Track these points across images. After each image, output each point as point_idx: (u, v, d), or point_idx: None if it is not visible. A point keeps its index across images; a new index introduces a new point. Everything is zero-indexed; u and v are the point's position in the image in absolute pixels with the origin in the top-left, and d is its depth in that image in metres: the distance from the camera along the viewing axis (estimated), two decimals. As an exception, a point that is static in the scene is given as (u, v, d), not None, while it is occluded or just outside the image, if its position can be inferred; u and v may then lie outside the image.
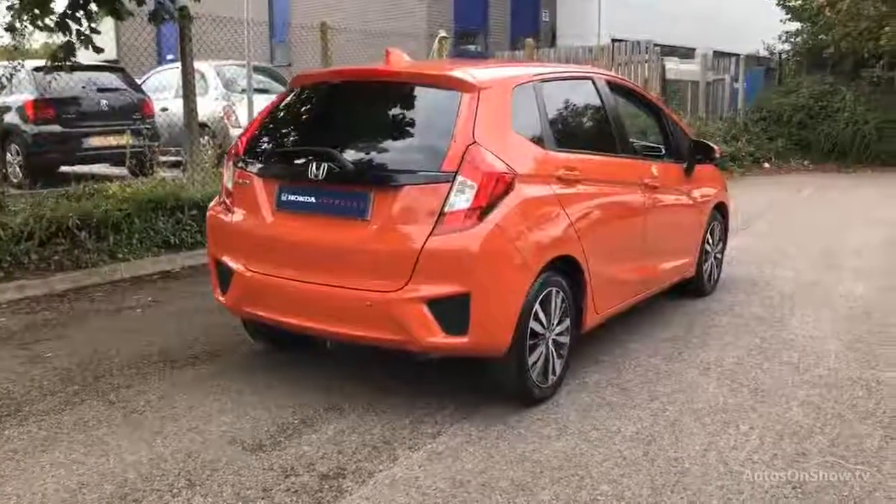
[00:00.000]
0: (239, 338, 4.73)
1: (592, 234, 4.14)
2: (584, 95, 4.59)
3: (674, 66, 16.77)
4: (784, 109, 16.50)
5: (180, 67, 8.33)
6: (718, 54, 18.56)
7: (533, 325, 3.75)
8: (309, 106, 4.15)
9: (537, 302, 3.75)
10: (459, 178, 3.49)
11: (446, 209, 3.48)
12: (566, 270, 4.00)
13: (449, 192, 3.49)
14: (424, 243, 3.47)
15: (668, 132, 5.40)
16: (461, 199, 3.49)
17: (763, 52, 19.42)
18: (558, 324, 3.97)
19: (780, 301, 5.91)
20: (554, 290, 3.88)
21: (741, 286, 6.36)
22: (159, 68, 13.25)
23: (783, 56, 18.85)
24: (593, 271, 4.15)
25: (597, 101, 4.61)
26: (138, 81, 13.23)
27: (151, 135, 10.23)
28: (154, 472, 3.22)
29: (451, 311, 3.48)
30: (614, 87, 4.88)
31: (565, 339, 4.04)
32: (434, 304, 3.48)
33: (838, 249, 7.88)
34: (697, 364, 4.53)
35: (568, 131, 4.36)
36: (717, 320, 5.41)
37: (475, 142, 3.55)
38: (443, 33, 10.45)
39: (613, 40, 16.85)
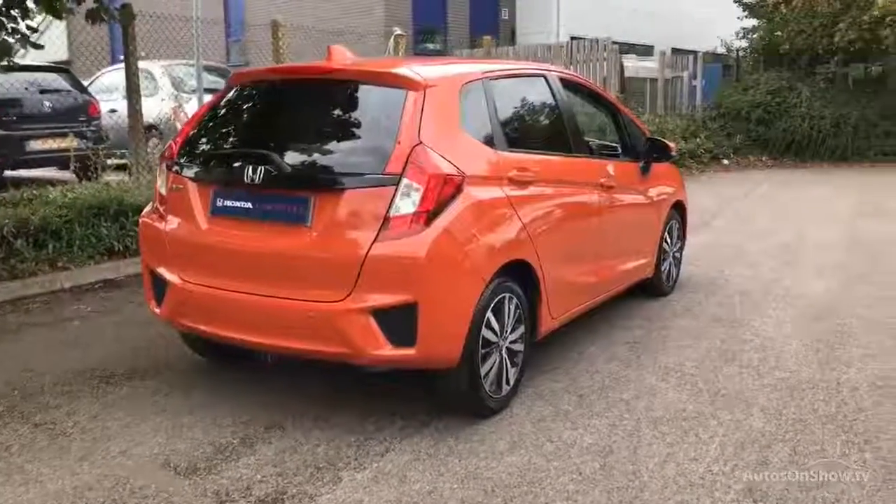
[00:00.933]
0: (182, 350, 4.50)
1: (547, 236, 3.99)
2: (536, 93, 4.43)
3: (632, 64, 16.78)
4: (742, 106, 16.58)
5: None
6: (677, 52, 18.63)
7: (485, 333, 3.58)
8: (246, 106, 3.94)
9: (489, 309, 3.59)
10: (405, 181, 3.31)
11: (391, 214, 3.30)
12: (520, 275, 3.85)
13: (394, 196, 3.31)
14: (368, 250, 3.28)
15: (624, 130, 5.28)
16: (407, 203, 3.31)
17: (721, 50, 19.54)
18: (512, 331, 3.81)
19: (740, 301, 5.82)
20: (507, 296, 3.73)
21: (700, 285, 6.27)
22: (108, 68, 12.86)
23: (740, 53, 18.97)
24: (548, 275, 4.00)
25: (550, 99, 4.46)
26: (87, 82, 12.86)
27: (97, 137, 9.91)
28: (77, 502, 2.99)
29: (398, 322, 3.30)
30: (568, 84, 4.74)
31: (520, 347, 3.88)
32: (380, 314, 3.30)
33: (797, 246, 7.86)
34: (656, 369, 4.40)
35: (520, 131, 4.20)
36: (677, 322, 5.30)
37: (421, 142, 3.37)
38: (398, 31, 10.25)
39: (572, 38, 16.81)
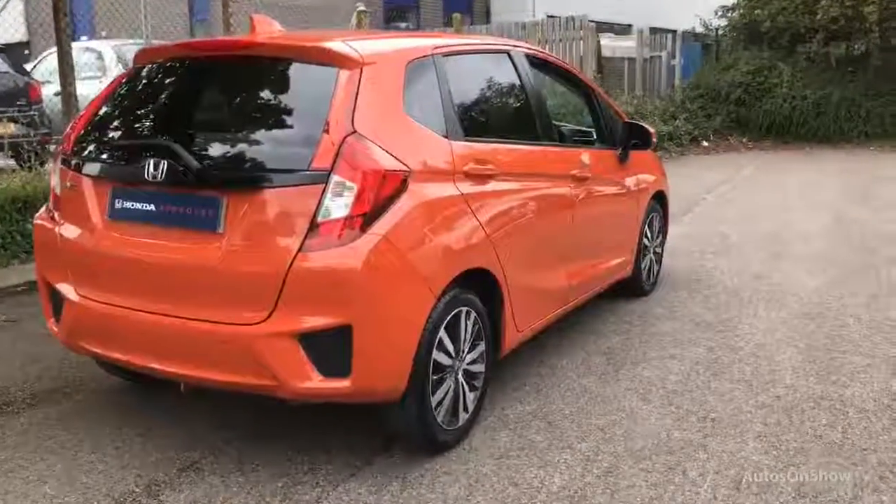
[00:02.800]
0: (96, 371, 3.91)
1: (510, 239, 3.45)
2: (498, 72, 3.87)
3: (609, 43, 16.22)
4: (722, 86, 16.10)
5: (60, 47, 7.34)
6: (655, 31, 18.09)
7: (437, 356, 3.04)
8: (152, 89, 3.33)
9: (442, 327, 3.05)
10: (335, 179, 2.74)
11: (319, 218, 2.74)
12: (479, 285, 3.31)
13: (322, 197, 2.74)
14: (291, 262, 2.72)
15: (600, 114, 4.73)
16: (338, 205, 2.74)
17: (700, 29, 19.02)
18: (470, 350, 3.27)
19: (727, 300, 5.32)
20: (464, 310, 3.18)
21: (683, 282, 5.76)
22: (53, 49, 12.08)
23: (720, 32, 18.46)
24: (512, 283, 3.47)
25: (514, 79, 3.89)
26: (32, 64, 12.11)
27: (39, 122, 9.22)
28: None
29: (329, 349, 2.75)
30: (536, 62, 4.17)
31: (480, 368, 3.35)
32: (306, 339, 2.74)
33: (783, 235, 7.38)
34: (637, 385, 3.89)
35: (478, 116, 3.63)
36: (659, 326, 4.78)
37: (355, 131, 2.80)
38: (361, 6, 9.58)
39: (549, 16, 16.20)
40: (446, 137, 3.20)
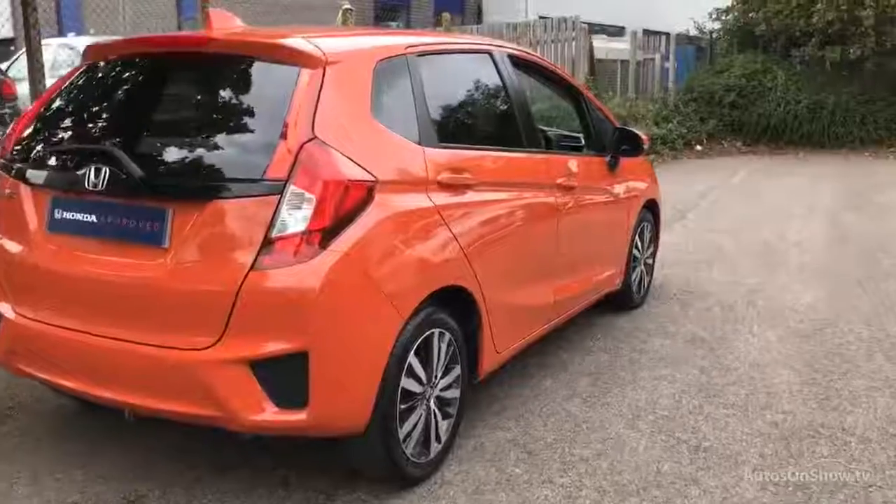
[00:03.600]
0: (45, 391, 3.63)
1: (489, 254, 3.20)
2: (478, 74, 3.61)
3: (602, 45, 15.98)
4: (715, 90, 15.86)
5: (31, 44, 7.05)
6: (649, 33, 17.86)
7: (406, 383, 2.78)
8: (100, 88, 3.05)
9: (412, 351, 2.79)
10: (292, 189, 2.48)
11: (273, 233, 2.47)
12: (454, 304, 3.05)
13: (277, 209, 2.48)
14: (242, 282, 2.46)
15: (589, 119, 4.47)
16: (295, 219, 2.48)
17: (694, 31, 18.80)
18: (444, 375, 3.01)
19: (721, 314, 5.07)
20: (437, 332, 2.93)
21: (675, 294, 5.51)
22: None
23: (714, 35, 18.24)
24: (491, 301, 3.21)
25: (496, 81, 3.63)
26: (9, 61, 11.84)
27: (10, 120, 8.92)
28: None
29: (284, 378, 2.49)
30: (520, 63, 3.91)
31: (454, 394, 3.09)
32: (259, 367, 2.48)
33: (778, 244, 7.14)
34: (625, 409, 3.64)
35: (455, 121, 3.37)
36: (649, 343, 4.53)
37: (315, 137, 2.54)
38: (346, 5, 9.30)
39: (541, 17, 15.95)
40: (419, 144, 2.94)
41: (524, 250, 3.54)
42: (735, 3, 17.18)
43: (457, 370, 3.09)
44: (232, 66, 2.81)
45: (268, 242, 2.47)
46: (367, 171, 2.63)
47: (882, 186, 10.68)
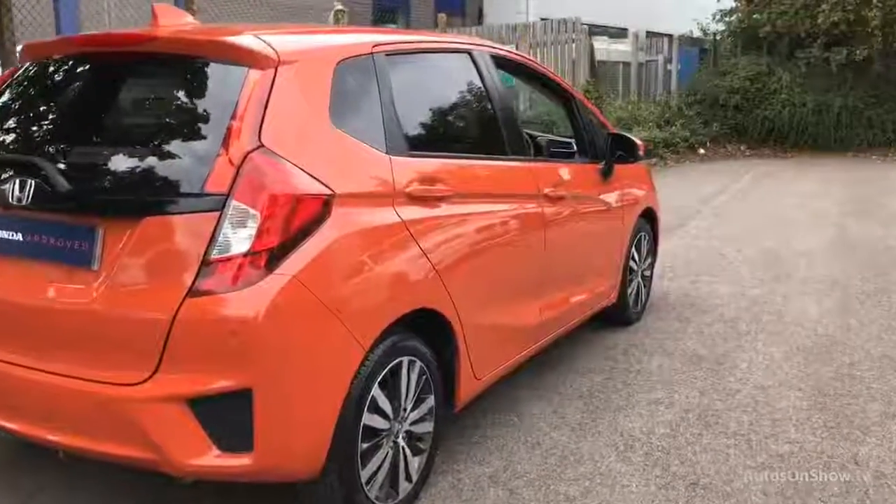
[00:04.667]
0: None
1: (465, 272, 2.92)
2: (456, 75, 3.33)
3: (604, 47, 15.70)
4: (719, 92, 15.56)
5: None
6: (652, 35, 17.57)
7: (368, 420, 2.49)
8: (34, 91, 2.77)
9: (376, 384, 2.51)
10: (234, 205, 2.20)
11: (213, 254, 2.20)
12: (427, 328, 2.77)
13: (217, 227, 2.20)
14: (178, 310, 2.18)
15: (580, 124, 4.18)
16: (237, 238, 2.20)
17: (697, 33, 18.50)
18: (415, 407, 2.73)
19: (723, 330, 4.78)
20: (406, 360, 2.65)
21: (675, 308, 5.22)
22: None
23: (717, 36, 17.94)
24: (469, 324, 2.93)
25: (477, 83, 3.34)
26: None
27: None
28: None
29: (226, 418, 2.21)
30: (504, 64, 3.64)
31: (427, 427, 2.81)
32: (198, 406, 2.20)
33: (783, 253, 6.84)
34: (617, 439, 3.35)
35: (428, 127, 3.08)
36: (646, 363, 4.24)
37: (261, 145, 2.26)
38: (339, 6, 9.05)
39: (542, 19, 15.68)
40: (386, 153, 2.65)
41: (506, 267, 3.26)
42: (739, 4, 16.89)
43: (430, 401, 2.81)
44: (175, 66, 2.53)
45: (207, 265, 2.19)
46: (323, 184, 2.35)
47: (891, 192, 10.38)
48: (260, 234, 2.19)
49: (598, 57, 14.81)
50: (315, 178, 2.33)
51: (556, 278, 3.72)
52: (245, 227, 2.20)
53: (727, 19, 17.34)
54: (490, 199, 3.16)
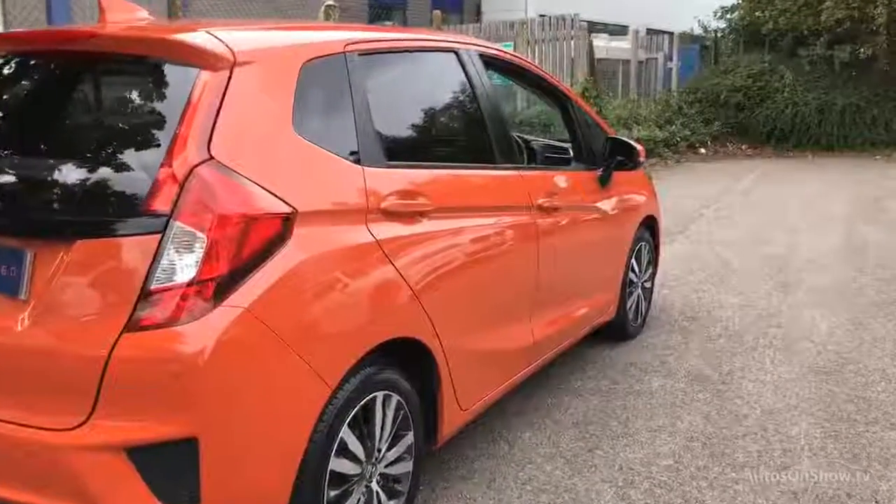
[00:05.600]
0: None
1: (449, 295, 2.65)
2: (440, 76, 3.05)
3: (603, 44, 15.40)
4: (720, 90, 15.30)
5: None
6: (652, 32, 17.29)
7: (337, 464, 2.22)
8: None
9: (345, 424, 2.23)
10: (177, 227, 1.93)
11: (153, 283, 1.92)
12: (405, 358, 2.50)
13: (159, 252, 1.92)
14: (114, 345, 1.90)
15: (578, 128, 3.90)
16: (182, 265, 1.93)
17: (698, 30, 18.22)
18: (392, 445, 2.46)
19: (728, 345, 4.51)
20: (381, 395, 2.38)
21: (677, 321, 4.95)
22: None
23: (719, 34, 17.65)
24: (453, 352, 2.66)
25: (463, 85, 3.06)
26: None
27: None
28: None
29: (169, 469, 1.94)
30: (494, 64, 3.36)
31: (405, 467, 2.54)
32: (138, 455, 1.92)
33: (789, 259, 6.57)
34: (615, 473, 3.07)
35: (408, 134, 2.81)
36: (646, 383, 3.97)
37: (210, 157, 1.99)
38: (329, 1, 8.74)
39: (541, 16, 15.40)
40: (358, 163, 2.37)
41: (496, 287, 2.98)
42: (741, 1, 16.61)
43: (409, 438, 2.54)
44: (118, 68, 2.26)
45: (147, 295, 1.91)
46: (282, 200, 2.07)
47: (897, 193, 10.12)
48: (207, 259, 1.92)
49: (598, 55, 14.51)
50: (273, 193, 2.06)
51: (551, 295, 3.45)
52: (190, 251, 1.92)
53: (729, 16, 17.09)
54: (477, 213, 2.88)
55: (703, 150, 14.65)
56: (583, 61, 13.48)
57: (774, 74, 15.20)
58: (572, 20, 13.38)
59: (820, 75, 15.10)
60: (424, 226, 2.57)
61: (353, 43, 2.53)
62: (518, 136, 4.03)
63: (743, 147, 15.23)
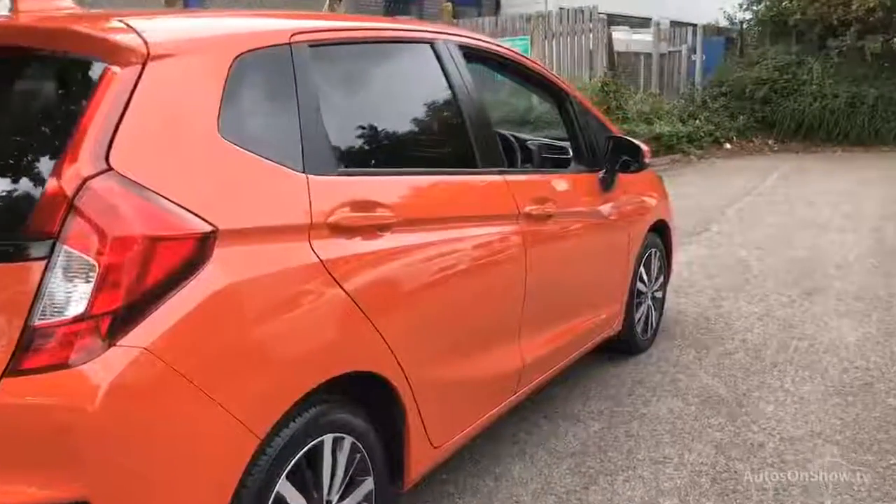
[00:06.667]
0: None
1: (415, 322, 2.32)
2: (411, 71, 2.72)
3: (623, 37, 14.97)
4: (746, 84, 14.77)
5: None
6: (676, 24, 16.79)
7: (272, 525, 1.91)
8: None
9: (282, 476, 1.92)
10: (64, 251, 1.62)
11: (36, 319, 1.62)
12: (364, 394, 2.18)
13: (43, 282, 1.62)
14: (-9, 393, 1.60)
15: (577, 127, 3.54)
16: (72, 297, 1.62)
17: (723, 22, 17.67)
18: (346, 495, 2.16)
19: (746, 361, 4.14)
20: (330, 438, 2.06)
21: (691, 333, 4.58)
22: None
23: (744, 25, 17.10)
24: (422, 384, 2.34)
25: (438, 80, 2.72)
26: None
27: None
28: None
29: (57, 538, 1.63)
30: (477, 56, 3.01)
31: (364, 519, 2.21)
32: (22, 520, 1.62)
33: (816, 264, 6.15)
34: (612, 514, 2.74)
35: (368, 136, 2.46)
36: (653, 406, 3.61)
37: (108, 168, 1.68)
38: (335, -8, 8.47)
39: (561, 9, 14.99)
40: (302, 171, 2.05)
41: (474, 308, 2.65)
42: (768, -9, 16.06)
43: (368, 483, 2.23)
44: (20, 63, 1.95)
45: (29, 332, 1.61)
46: (200, 217, 1.76)
47: (933, 191, 9.61)
48: (99, 290, 1.61)
49: (618, 48, 14.09)
50: (187, 209, 1.74)
51: (544, 313, 3.11)
52: (81, 281, 1.62)
53: (755, 7, 16.53)
54: (452, 225, 2.54)
55: (727, 146, 14.17)
56: (602, 55, 13.08)
57: (802, 67, 14.66)
58: (591, 13, 12.97)
59: (850, 67, 14.51)
60: (386, 241, 2.24)
61: (302, 32, 2.21)
62: (513, 136, 3.71)
63: (769, 142, 14.71)
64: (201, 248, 1.75)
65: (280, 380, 1.89)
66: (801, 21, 14.87)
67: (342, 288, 2.05)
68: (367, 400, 2.22)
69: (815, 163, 12.79)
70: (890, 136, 13.98)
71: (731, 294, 5.37)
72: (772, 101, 14.64)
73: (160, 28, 1.95)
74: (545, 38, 12.83)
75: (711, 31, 17.34)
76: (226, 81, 1.94)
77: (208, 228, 1.76)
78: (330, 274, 2.02)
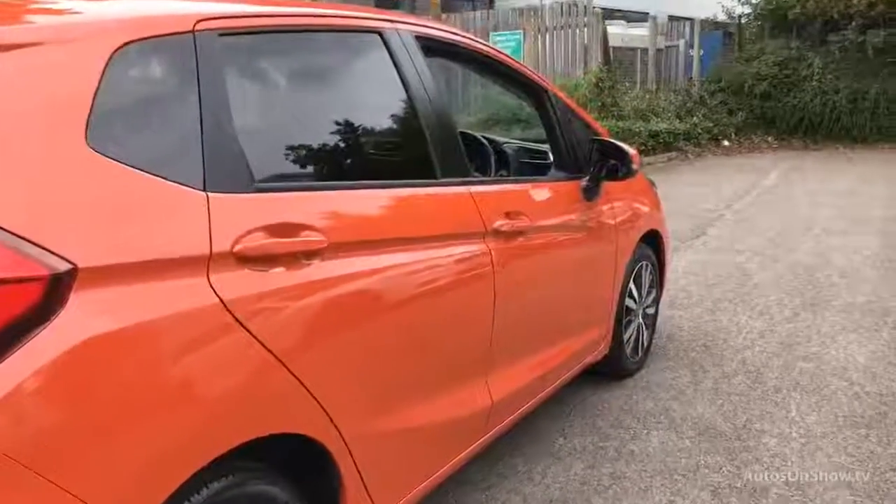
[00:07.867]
0: None
1: (352, 370, 1.94)
2: (353, 65, 2.33)
3: (619, 31, 14.60)
4: (745, 79, 14.39)
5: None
6: (673, 19, 16.40)
7: None
8: None
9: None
10: None
11: None
12: (290, 457, 1.80)
13: None
14: None
15: (557, 128, 3.15)
16: None
17: (721, 16, 17.28)
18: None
19: (746, 385, 3.76)
20: (238, 514, 1.67)
21: (686, 351, 4.20)
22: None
23: (743, 19, 16.71)
24: (362, 441, 1.95)
25: (388, 76, 2.32)
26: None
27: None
28: None
29: None
30: (438, 48, 2.61)
31: None
32: None
33: (820, 272, 5.77)
34: (592, 581, 2.35)
35: (296, 146, 2.06)
36: (643, 440, 3.23)
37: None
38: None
39: (555, 2, 14.59)
40: (202, 189, 1.66)
41: (429, 344, 2.26)
42: (767, -16, 15.66)
43: (293, 561, 1.83)
44: None
45: None
46: (51, 252, 1.37)
47: (940, 190, 9.23)
48: None
49: (613, 42, 13.70)
50: (33, 242, 1.35)
51: (516, 342, 2.72)
52: None
53: (754, 1, 16.13)
54: (401, 248, 2.15)
55: (726, 143, 13.80)
56: (596, 50, 12.69)
57: (802, 62, 14.29)
58: (585, 6, 12.58)
59: (851, 62, 14.14)
60: (314, 271, 1.84)
61: (209, 19, 1.81)
62: (486, 138, 3.32)
63: (769, 139, 14.35)
64: (51, 292, 1.35)
65: (161, 455, 1.50)
66: (801, 15, 14.49)
67: (249, 332, 1.66)
68: (293, 464, 1.84)
69: (817, 160, 12.42)
70: (893, 132, 13.61)
71: (730, 306, 4.99)
72: (772, 96, 14.28)
73: (11, 13, 1.55)
74: (538, 32, 12.43)
75: (709, 25, 16.96)
76: (101, 79, 1.55)
77: (63, 267, 1.37)
78: (233, 315, 1.63)
